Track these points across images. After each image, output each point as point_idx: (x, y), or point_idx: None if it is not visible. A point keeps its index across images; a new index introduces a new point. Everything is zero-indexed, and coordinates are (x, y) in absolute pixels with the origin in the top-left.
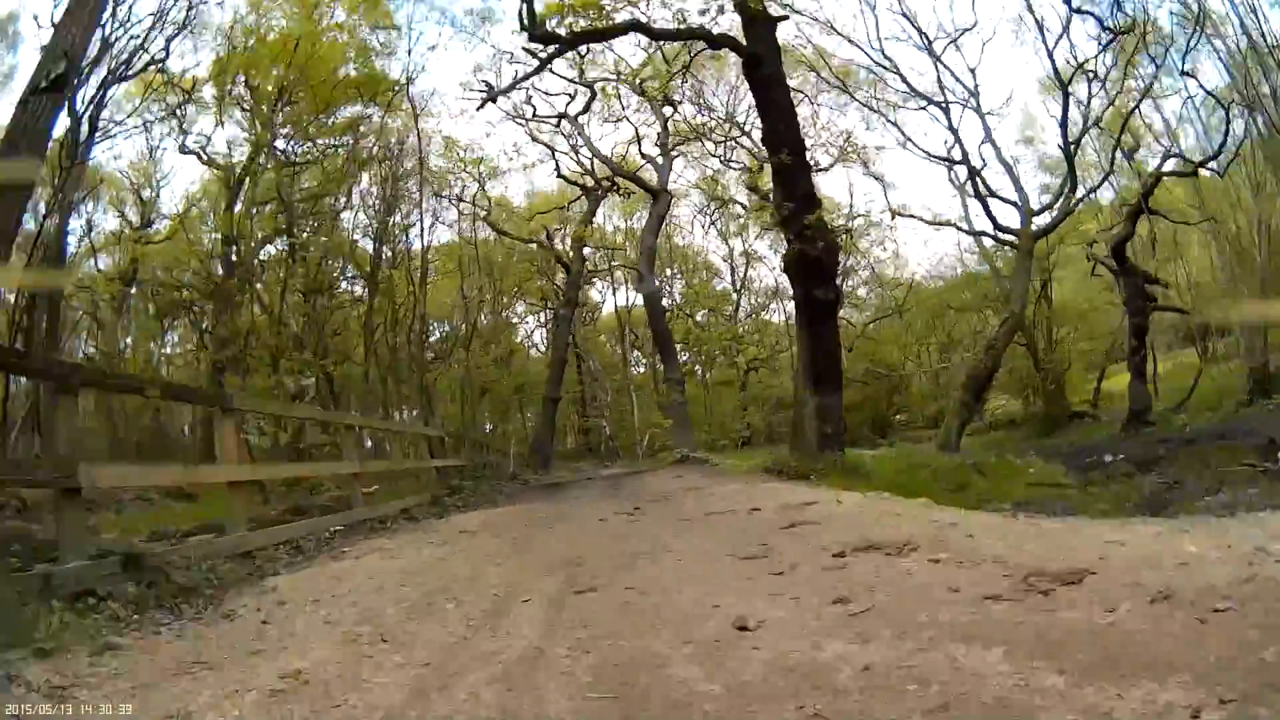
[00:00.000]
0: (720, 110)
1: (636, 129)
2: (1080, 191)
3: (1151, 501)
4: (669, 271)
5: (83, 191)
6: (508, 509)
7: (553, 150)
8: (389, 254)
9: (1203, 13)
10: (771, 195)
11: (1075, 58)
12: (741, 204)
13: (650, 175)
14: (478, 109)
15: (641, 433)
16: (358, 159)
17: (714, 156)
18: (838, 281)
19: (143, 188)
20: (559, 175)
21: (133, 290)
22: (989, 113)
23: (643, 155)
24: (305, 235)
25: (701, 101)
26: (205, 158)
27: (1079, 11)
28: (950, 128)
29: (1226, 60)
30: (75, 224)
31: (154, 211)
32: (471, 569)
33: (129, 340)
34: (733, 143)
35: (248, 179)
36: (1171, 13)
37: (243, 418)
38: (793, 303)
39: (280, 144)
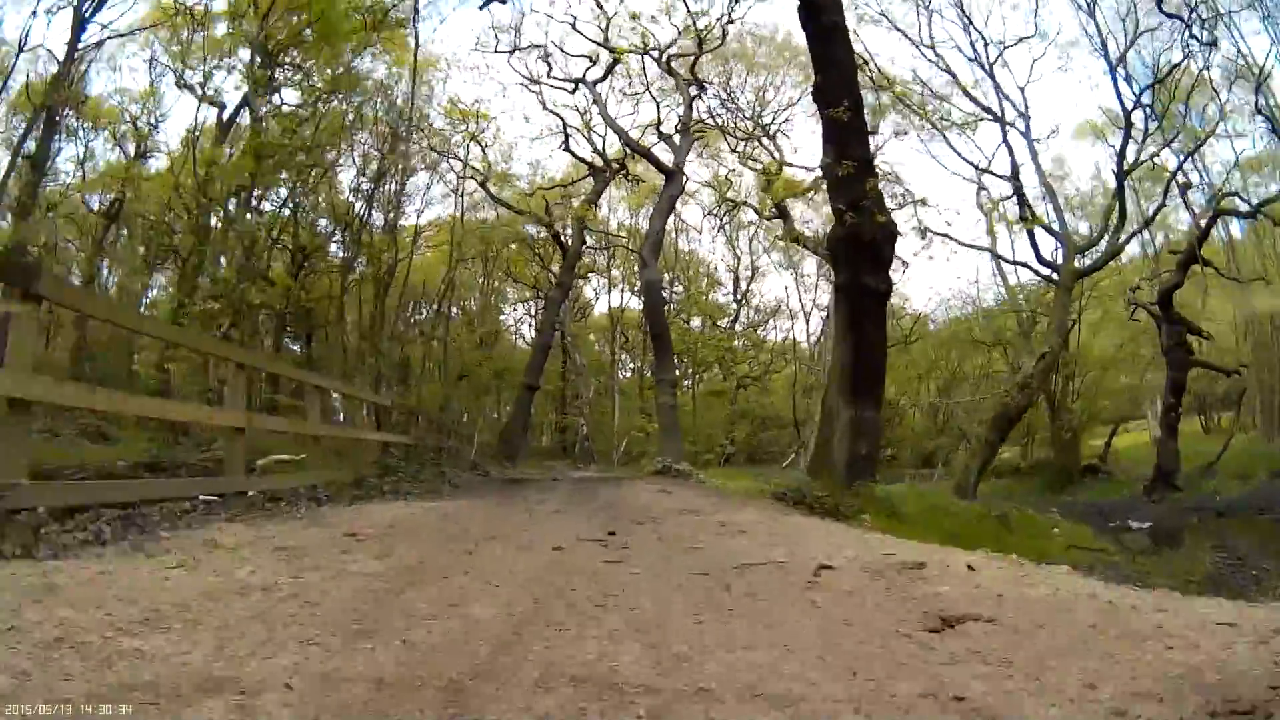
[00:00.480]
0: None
1: (658, 103)
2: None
3: (1215, 578)
4: (668, 275)
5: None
6: (440, 507)
7: (563, 122)
8: (381, 219)
9: None
10: (822, 155)
11: (1131, 89)
12: (754, 208)
13: (666, 159)
14: (481, 6)
15: (620, 437)
16: (357, 111)
17: (734, 152)
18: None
19: (139, 120)
20: (566, 149)
21: (124, 232)
22: (1037, 139)
23: (659, 133)
24: (298, 190)
25: (728, 92)
26: (201, 93)
27: (1171, 16)
28: (1005, 143)
29: None
30: (72, 150)
31: (149, 144)
32: (266, 632)
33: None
34: (754, 143)
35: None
36: None
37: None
38: (830, 303)
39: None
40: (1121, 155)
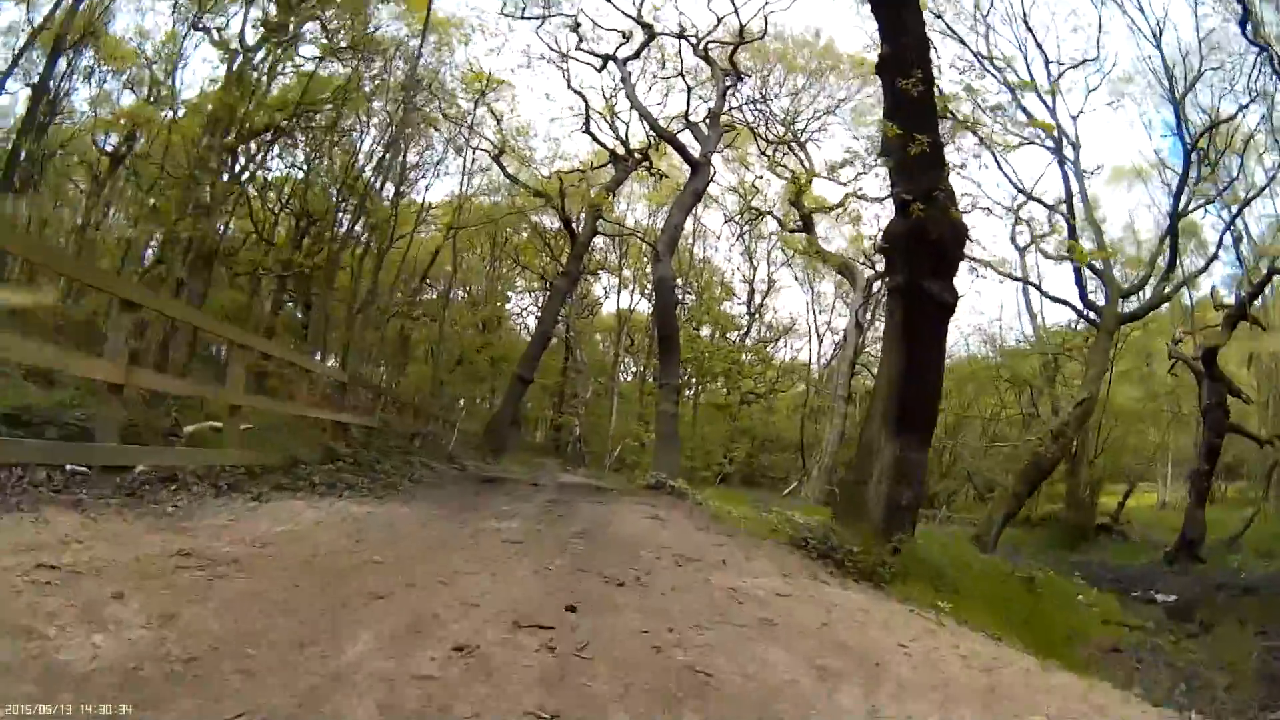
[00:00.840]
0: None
1: (689, 89)
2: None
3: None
4: (680, 280)
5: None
6: (368, 515)
7: (585, 103)
8: (390, 189)
9: None
10: (882, 134)
11: (1187, 132)
12: (777, 218)
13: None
14: None
15: (615, 441)
16: (374, 77)
17: (763, 155)
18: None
19: (155, 63)
20: (586, 130)
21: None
22: (1088, 172)
23: (688, 122)
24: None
25: (764, 90)
26: (215, 38)
27: (1256, 45)
28: (1062, 169)
29: None
30: (86, 92)
31: (163, 89)
32: None
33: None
34: (784, 149)
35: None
36: None
37: None
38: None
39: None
40: (1177, 197)
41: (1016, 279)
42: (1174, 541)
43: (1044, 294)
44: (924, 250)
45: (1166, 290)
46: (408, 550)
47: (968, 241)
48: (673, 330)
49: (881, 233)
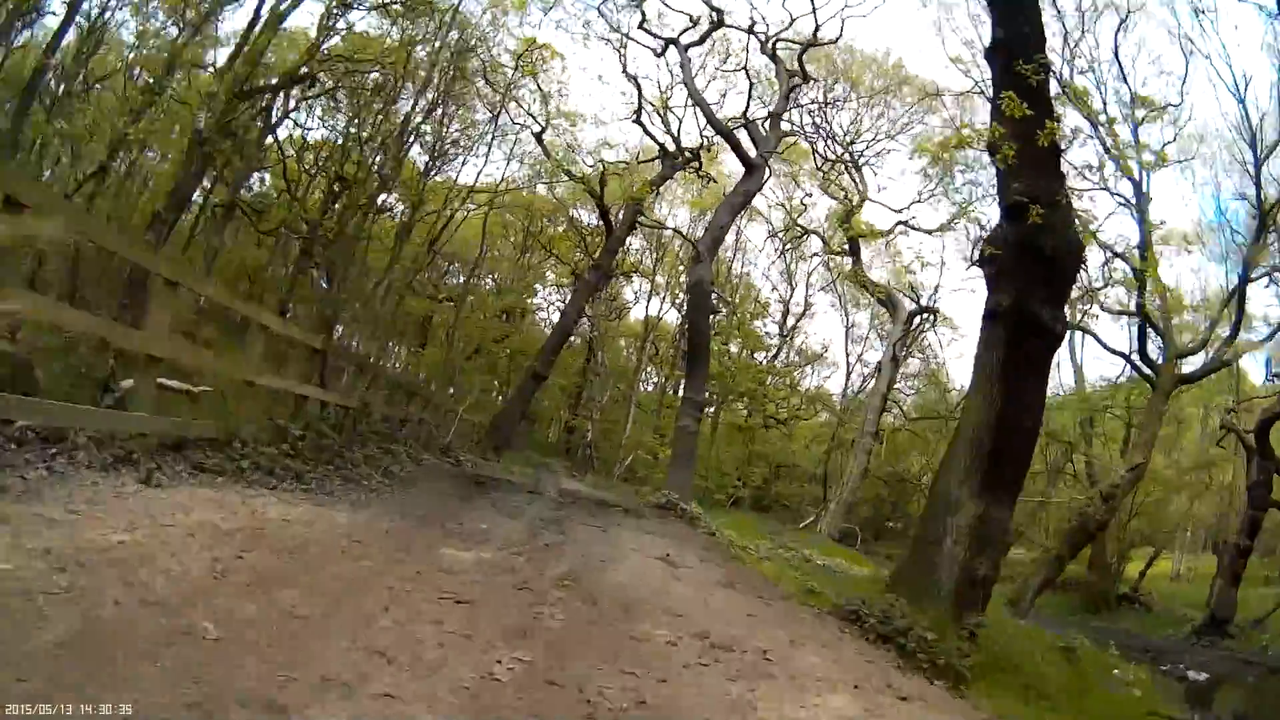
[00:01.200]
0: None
1: (751, 84)
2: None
3: None
4: (714, 294)
5: None
6: (286, 521)
7: (639, 90)
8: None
9: None
10: (990, 129)
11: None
12: (822, 237)
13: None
14: None
15: (628, 450)
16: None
17: (818, 170)
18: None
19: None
20: (637, 121)
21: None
22: (1156, 225)
23: (745, 120)
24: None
25: (826, 102)
26: None
27: None
28: (1135, 216)
29: None
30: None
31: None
32: None
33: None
34: (840, 167)
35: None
36: None
37: None
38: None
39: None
40: (1248, 264)
41: (1080, 330)
42: (1203, 616)
43: (1102, 344)
44: (1037, 266)
45: (1226, 356)
46: (285, 602)
47: (1083, 264)
48: (704, 339)
49: (982, 241)
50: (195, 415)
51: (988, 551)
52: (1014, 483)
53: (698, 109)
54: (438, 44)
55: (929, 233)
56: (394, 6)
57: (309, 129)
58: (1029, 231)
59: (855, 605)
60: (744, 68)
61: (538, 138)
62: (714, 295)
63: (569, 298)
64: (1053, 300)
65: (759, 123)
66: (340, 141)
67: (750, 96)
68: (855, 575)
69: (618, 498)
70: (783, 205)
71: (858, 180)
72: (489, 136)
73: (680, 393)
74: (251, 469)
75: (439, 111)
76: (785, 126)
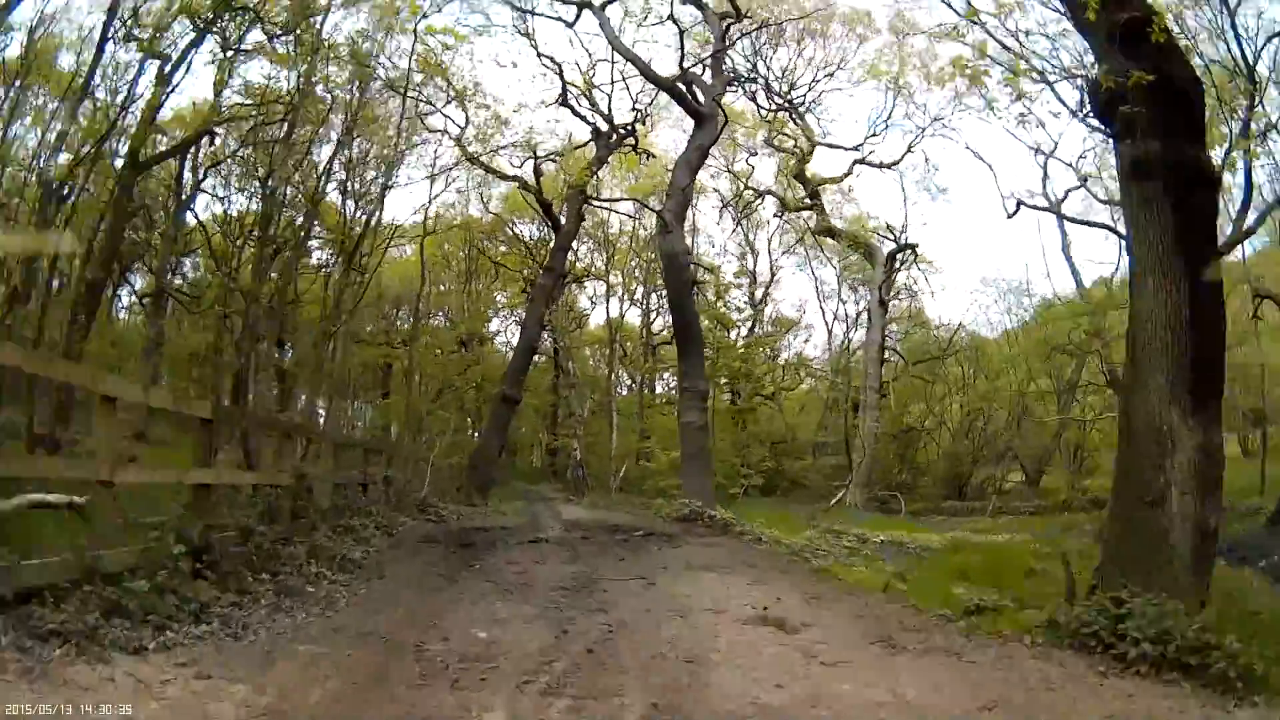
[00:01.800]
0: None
1: (682, 34)
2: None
3: None
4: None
5: None
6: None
7: (560, 72)
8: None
9: None
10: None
11: None
12: (779, 197)
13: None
14: None
15: (618, 462)
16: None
17: (766, 123)
18: None
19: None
20: (564, 103)
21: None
22: None
23: (682, 71)
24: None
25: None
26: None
27: None
28: None
29: None
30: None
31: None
32: None
33: None
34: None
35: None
36: None
37: None
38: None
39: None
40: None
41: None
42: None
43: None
44: (1174, 100)
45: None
46: None
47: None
48: (691, 317)
49: (1099, 74)
50: (86, 535)
51: (1215, 494)
52: (1218, 395)
53: (626, 81)
54: (339, 76)
55: (888, 166)
56: (285, 50)
57: (229, 199)
58: (1155, 56)
59: (1076, 619)
60: (671, 17)
61: (458, 142)
62: (692, 266)
63: (526, 309)
64: (1199, 142)
65: (699, 69)
66: (260, 206)
67: (683, 48)
68: (948, 556)
69: (632, 519)
70: (728, 171)
71: (803, 128)
72: (406, 154)
73: (675, 386)
74: (110, 622)
75: (353, 145)
76: (726, 75)
